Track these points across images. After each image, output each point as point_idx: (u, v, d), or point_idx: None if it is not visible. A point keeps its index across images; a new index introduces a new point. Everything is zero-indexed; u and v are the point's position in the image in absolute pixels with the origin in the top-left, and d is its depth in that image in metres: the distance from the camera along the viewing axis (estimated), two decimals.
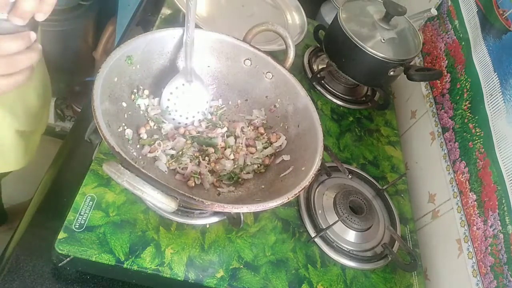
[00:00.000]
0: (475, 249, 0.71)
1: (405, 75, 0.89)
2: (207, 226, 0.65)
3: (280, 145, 0.69)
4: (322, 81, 1.01)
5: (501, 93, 0.73)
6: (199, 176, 0.63)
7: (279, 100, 0.71)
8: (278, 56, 0.77)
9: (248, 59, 0.71)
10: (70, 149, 0.74)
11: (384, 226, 0.78)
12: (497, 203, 0.68)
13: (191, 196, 0.46)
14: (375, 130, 0.98)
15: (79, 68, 1.59)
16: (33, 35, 0.51)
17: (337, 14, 0.92)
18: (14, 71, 0.47)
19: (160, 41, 0.64)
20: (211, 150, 0.66)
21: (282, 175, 0.64)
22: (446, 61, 0.93)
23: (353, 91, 1.03)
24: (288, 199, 0.52)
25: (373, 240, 0.75)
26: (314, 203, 0.75)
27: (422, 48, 1.02)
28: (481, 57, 0.80)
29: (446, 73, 0.91)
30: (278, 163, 0.67)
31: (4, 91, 0.48)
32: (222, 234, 0.65)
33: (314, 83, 0.99)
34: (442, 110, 0.90)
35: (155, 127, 0.66)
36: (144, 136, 0.63)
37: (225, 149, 0.68)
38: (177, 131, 0.68)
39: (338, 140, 0.91)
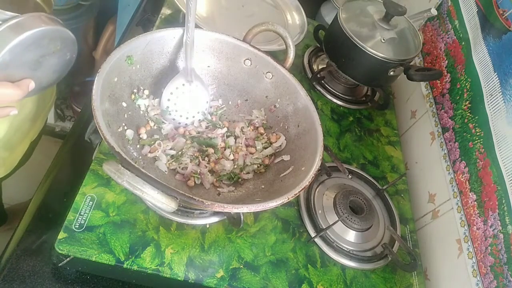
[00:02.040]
0: (475, 249, 0.71)
1: (405, 75, 0.89)
2: (207, 226, 0.65)
3: (280, 145, 0.69)
4: (322, 81, 1.01)
5: (501, 93, 0.73)
6: (199, 176, 0.63)
7: (279, 100, 0.71)
8: (278, 56, 0.77)
9: (248, 59, 0.71)
10: (70, 149, 0.74)
11: (384, 226, 0.78)
12: (497, 203, 0.68)
13: (191, 196, 0.46)
14: (375, 130, 0.98)
15: (79, 68, 1.59)
16: (32, 85, 0.53)
17: (337, 14, 0.92)
18: None
19: (160, 41, 0.64)
20: (211, 150, 0.67)
21: (282, 175, 0.64)
22: (446, 61, 0.93)
23: (353, 91, 1.03)
24: (288, 199, 0.52)
25: (373, 240, 0.75)
26: (314, 203, 0.75)
27: (422, 48, 1.02)
28: (481, 57, 0.80)
29: (446, 73, 0.91)
30: (278, 163, 0.67)
31: None
32: (222, 234, 0.65)
33: (314, 83, 0.99)
34: (442, 110, 0.90)
35: (155, 127, 0.66)
36: (144, 136, 0.63)
37: (225, 149, 0.68)
38: (177, 131, 0.68)
39: (338, 140, 0.91)
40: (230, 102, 0.74)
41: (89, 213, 0.59)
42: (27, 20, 0.50)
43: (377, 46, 0.88)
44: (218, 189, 0.64)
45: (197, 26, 0.64)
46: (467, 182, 0.77)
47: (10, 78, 0.51)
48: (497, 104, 0.73)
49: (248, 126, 0.72)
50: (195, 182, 0.63)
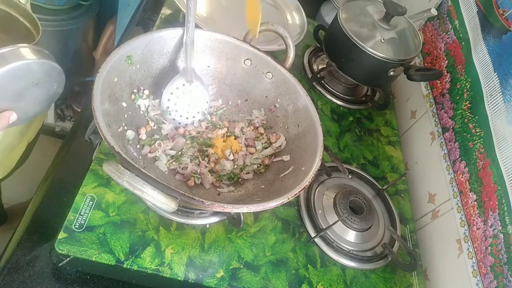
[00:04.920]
0: (475, 249, 0.71)
1: (405, 75, 0.89)
2: (207, 226, 0.65)
3: (280, 145, 0.69)
4: (322, 81, 1.01)
5: (501, 93, 0.73)
6: (199, 176, 0.63)
7: (279, 100, 0.71)
8: (278, 56, 0.77)
9: (248, 59, 0.71)
10: (70, 149, 0.74)
11: (384, 226, 0.78)
12: (497, 203, 0.68)
13: (191, 196, 0.46)
14: (375, 130, 0.98)
15: (79, 68, 1.59)
16: (13, 117, 0.51)
17: (337, 14, 0.92)
18: None
19: (160, 41, 0.64)
20: (211, 150, 0.67)
21: (282, 175, 0.64)
22: (446, 61, 0.93)
23: (353, 91, 1.03)
24: (288, 199, 0.52)
25: (373, 240, 0.75)
26: (314, 203, 0.75)
27: (422, 48, 1.02)
28: (481, 57, 0.80)
29: (446, 73, 0.91)
30: (278, 163, 0.67)
31: None
32: (222, 234, 0.65)
33: (314, 83, 0.99)
34: (442, 110, 0.90)
35: (155, 127, 0.66)
36: (144, 136, 0.63)
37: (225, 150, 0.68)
38: (177, 131, 0.68)
39: (338, 140, 0.91)
40: (230, 102, 0.74)
41: (89, 213, 0.59)
42: (8, 53, 0.48)
43: (377, 46, 0.88)
44: (218, 189, 0.64)
45: (197, 26, 0.64)
46: (467, 182, 0.77)
47: None
48: (497, 104, 0.73)
49: (248, 126, 0.72)
50: (195, 182, 0.63)
